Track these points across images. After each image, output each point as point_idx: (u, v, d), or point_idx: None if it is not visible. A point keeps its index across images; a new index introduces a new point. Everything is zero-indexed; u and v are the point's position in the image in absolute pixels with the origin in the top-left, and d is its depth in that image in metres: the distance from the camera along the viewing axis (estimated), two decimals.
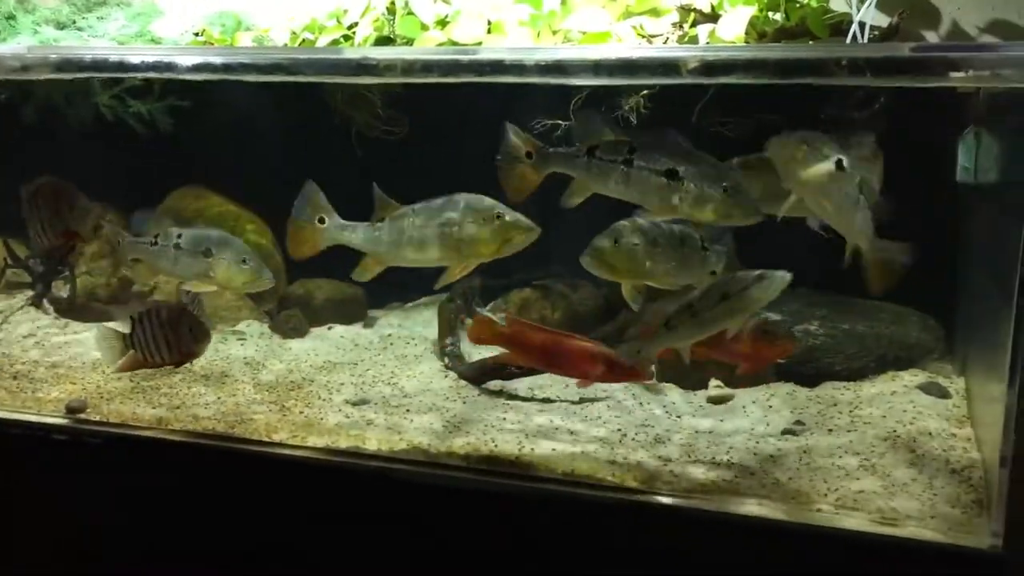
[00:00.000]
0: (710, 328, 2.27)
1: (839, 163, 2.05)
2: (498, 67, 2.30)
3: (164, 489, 2.54)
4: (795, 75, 2.06)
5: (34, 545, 2.68)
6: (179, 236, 2.63)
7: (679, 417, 2.59)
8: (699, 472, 2.26)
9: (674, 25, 2.78)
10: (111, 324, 2.62)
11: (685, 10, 2.76)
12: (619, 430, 2.50)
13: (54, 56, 2.66)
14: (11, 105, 3.53)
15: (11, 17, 3.57)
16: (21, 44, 3.42)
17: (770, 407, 2.63)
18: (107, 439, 2.58)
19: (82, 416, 2.66)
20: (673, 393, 2.75)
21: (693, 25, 2.74)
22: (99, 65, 2.67)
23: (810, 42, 2.61)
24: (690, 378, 2.78)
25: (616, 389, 2.78)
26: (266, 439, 2.52)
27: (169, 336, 2.52)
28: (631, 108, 2.78)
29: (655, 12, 2.79)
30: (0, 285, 3.71)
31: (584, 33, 2.75)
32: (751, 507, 2.13)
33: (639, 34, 2.76)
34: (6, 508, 2.67)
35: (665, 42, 2.74)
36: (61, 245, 2.70)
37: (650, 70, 2.27)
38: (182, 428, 2.59)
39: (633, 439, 2.44)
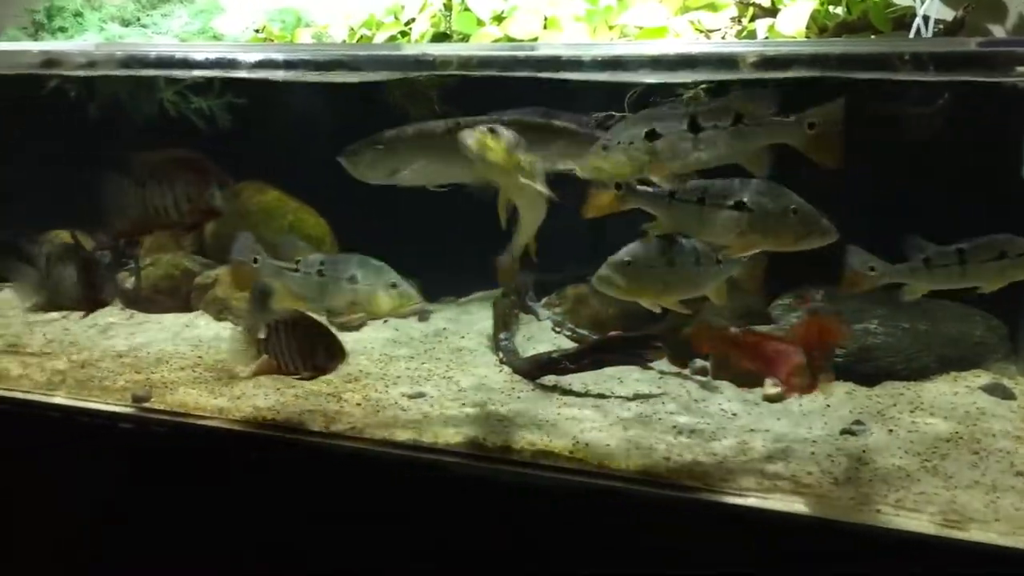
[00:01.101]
0: (969, 280, 2.22)
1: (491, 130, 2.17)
2: (555, 63, 2.30)
3: (223, 477, 2.60)
4: (858, 70, 2.04)
5: (98, 527, 2.76)
6: (321, 263, 2.51)
7: (734, 415, 2.58)
8: (755, 471, 2.24)
9: (732, 20, 2.76)
10: (243, 327, 2.58)
11: (744, 5, 2.74)
12: (674, 427, 2.49)
13: (120, 53, 2.73)
14: (78, 100, 3.62)
15: (79, 14, 3.66)
16: (88, 41, 3.52)
17: (828, 407, 2.60)
18: (171, 428, 2.64)
19: (147, 405, 2.73)
20: (728, 391, 2.74)
21: (752, 20, 2.72)
22: (163, 62, 2.73)
23: (873, 36, 2.57)
24: (748, 376, 2.74)
25: (672, 386, 2.78)
26: (324, 430, 2.56)
27: (304, 350, 2.48)
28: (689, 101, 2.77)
29: (713, 7, 2.78)
30: None
31: (641, 28, 2.74)
32: (808, 507, 2.11)
33: (697, 29, 2.74)
34: (75, 492, 2.75)
35: (723, 37, 2.72)
36: (195, 224, 2.57)
37: (709, 65, 2.26)
38: (242, 418, 2.64)
39: (688, 437, 2.44)
